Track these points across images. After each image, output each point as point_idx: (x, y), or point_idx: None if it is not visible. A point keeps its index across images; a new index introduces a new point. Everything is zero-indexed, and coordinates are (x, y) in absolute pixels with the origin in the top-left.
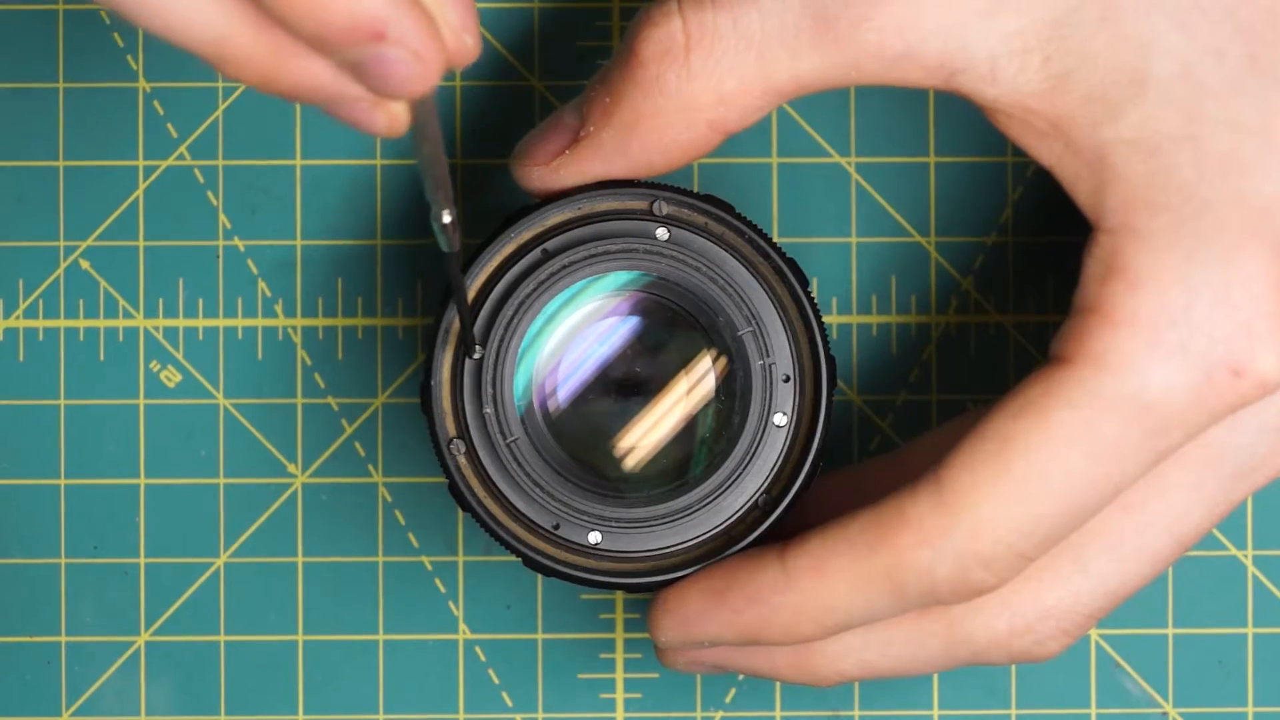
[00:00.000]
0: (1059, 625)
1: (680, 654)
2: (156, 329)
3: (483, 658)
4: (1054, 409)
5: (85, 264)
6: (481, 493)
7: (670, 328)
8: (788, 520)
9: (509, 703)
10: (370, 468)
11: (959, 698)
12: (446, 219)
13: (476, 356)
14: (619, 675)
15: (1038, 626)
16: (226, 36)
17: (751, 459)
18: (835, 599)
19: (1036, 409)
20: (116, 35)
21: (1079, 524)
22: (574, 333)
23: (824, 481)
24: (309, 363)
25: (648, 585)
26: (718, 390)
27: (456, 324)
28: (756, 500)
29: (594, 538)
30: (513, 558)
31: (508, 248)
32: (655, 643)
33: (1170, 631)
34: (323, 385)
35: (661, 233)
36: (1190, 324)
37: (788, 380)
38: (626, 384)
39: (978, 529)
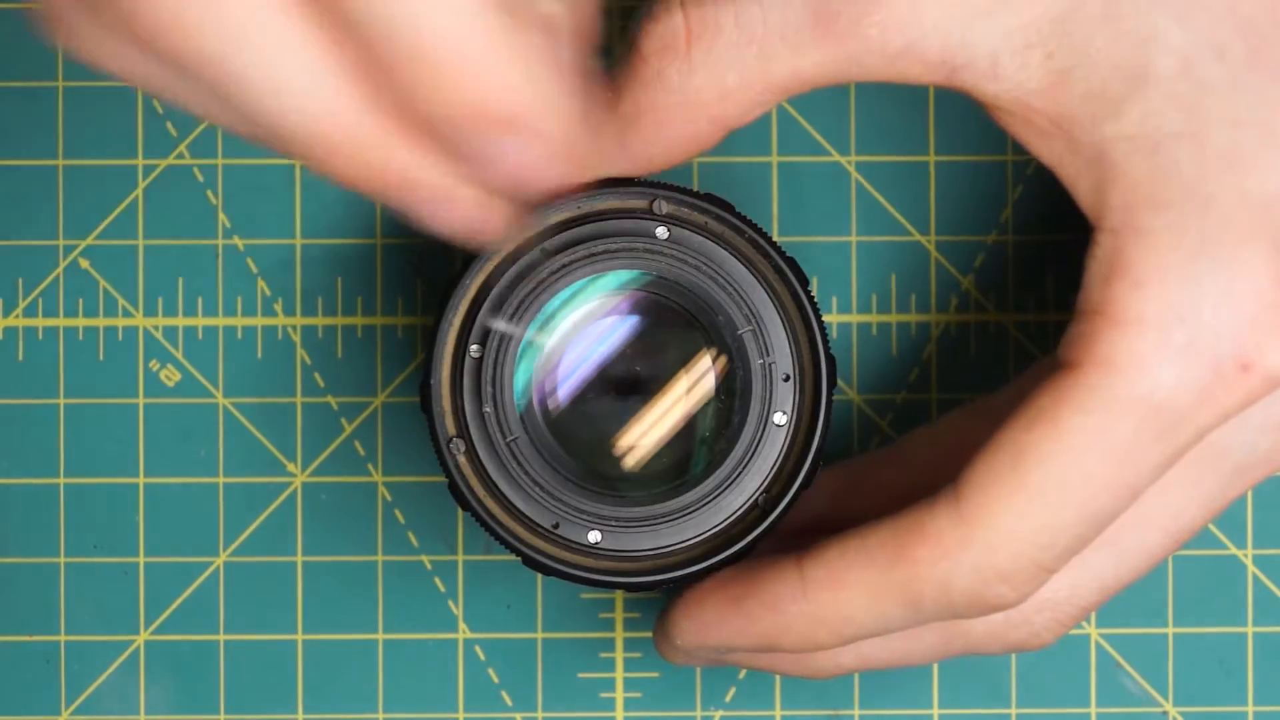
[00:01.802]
0: (1054, 616)
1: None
2: (156, 328)
3: (482, 657)
4: (1066, 417)
5: (85, 263)
6: (481, 492)
7: (670, 327)
8: (787, 519)
9: (509, 702)
10: (370, 467)
11: (959, 697)
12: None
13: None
14: (619, 675)
15: (1034, 618)
16: (331, 119)
17: (751, 458)
18: (852, 610)
19: (1049, 418)
20: None
21: (1098, 531)
22: (574, 332)
23: (822, 475)
24: (309, 362)
25: (648, 584)
26: (717, 389)
27: (458, 322)
28: (756, 500)
29: (594, 537)
30: (512, 557)
31: (507, 247)
32: (670, 644)
33: (1170, 631)
34: (322, 384)
35: (661, 231)
36: (1197, 321)
37: (787, 379)
38: (626, 383)
39: (996, 543)
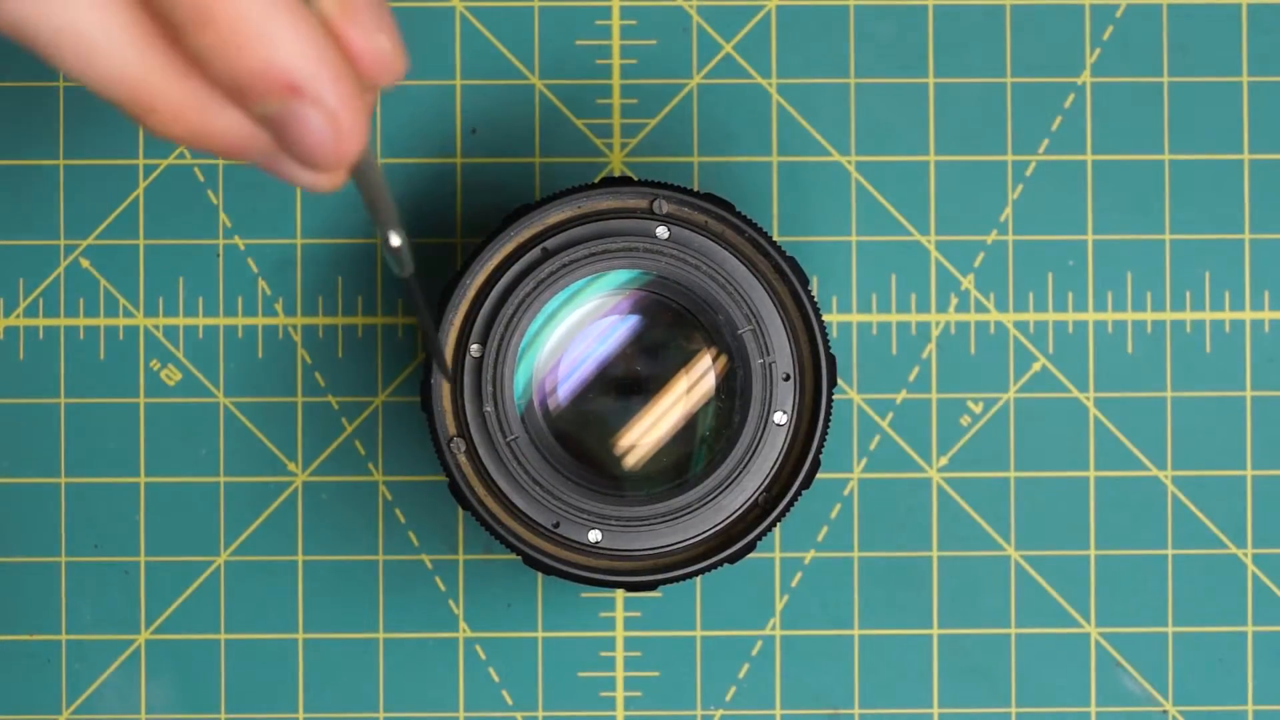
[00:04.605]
0: None
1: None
2: (157, 328)
3: (483, 656)
4: None
5: (85, 262)
6: (481, 491)
7: (670, 326)
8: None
9: (509, 701)
10: (370, 466)
11: (959, 697)
12: (395, 242)
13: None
14: (619, 674)
15: None
16: (141, 78)
17: (751, 458)
18: None
19: None
20: None
21: None
22: (574, 331)
23: None
24: (309, 361)
25: (648, 584)
26: (718, 389)
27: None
28: (756, 499)
29: (594, 536)
30: (513, 556)
31: (507, 246)
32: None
33: (1170, 630)
34: (323, 384)
35: (661, 231)
36: None
37: (788, 379)
38: (626, 382)
39: None
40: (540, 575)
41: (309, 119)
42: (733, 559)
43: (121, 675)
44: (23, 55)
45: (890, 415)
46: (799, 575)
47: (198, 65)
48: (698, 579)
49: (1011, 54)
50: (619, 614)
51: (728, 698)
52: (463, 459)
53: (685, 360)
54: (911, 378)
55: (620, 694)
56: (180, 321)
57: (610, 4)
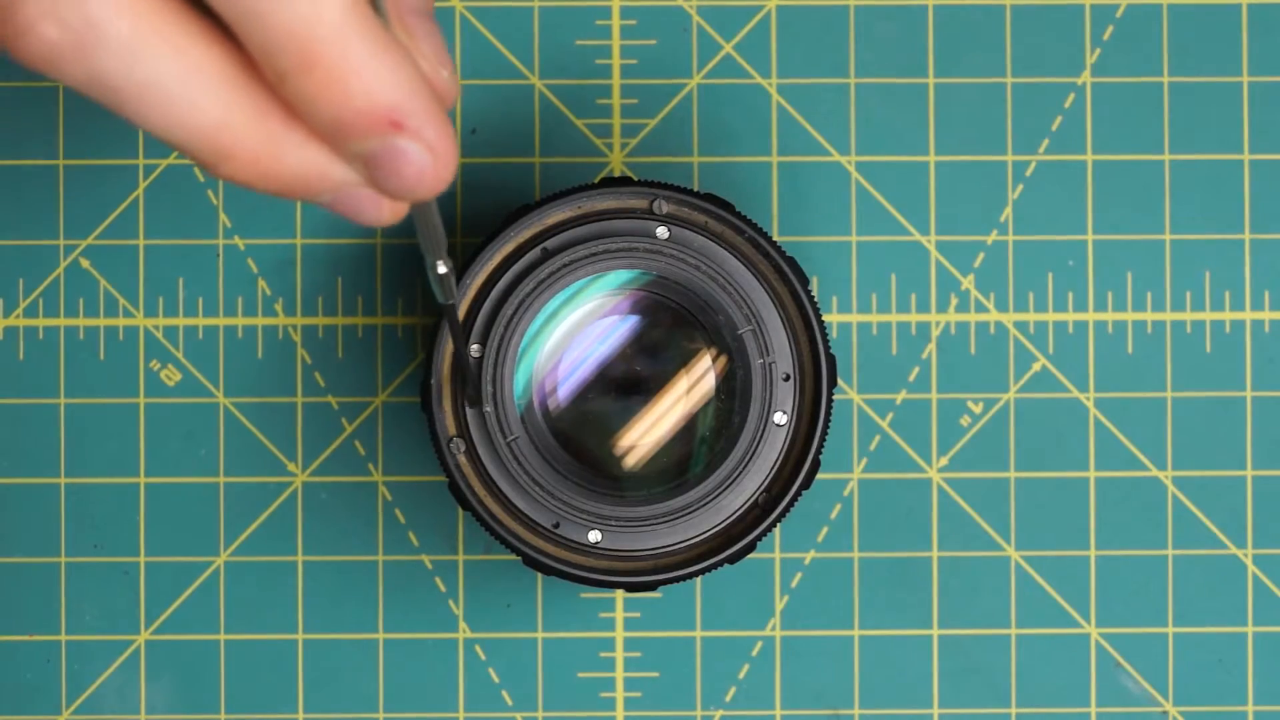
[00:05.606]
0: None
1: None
2: (156, 328)
3: (483, 656)
4: None
5: (85, 263)
6: (481, 492)
7: (670, 326)
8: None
9: (509, 701)
10: (370, 466)
11: (959, 697)
12: (442, 270)
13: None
14: (619, 675)
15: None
16: (221, 127)
17: (751, 458)
18: None
19: None
20: None
21: None
22: (574, 331)
23: None
24: (309, 361)
25: (647, 584)
26: (717, 389)
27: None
28: (756, 499)
29: (594, 536)
30: (513, 556)
31: (508, 246)
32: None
33: (1170, 630)
34: (323, 384)
35: (661, 231)
36: None
37: (788, 379)
38: (626, 382)
39: None
40: (540, 575)
41: (409, 152)
42: (733, 559)
43: (121, 675)
44: None
45: (890, 415)
46: (799, 575)
47: (290, 108)
48: (698, 579)
49: (1011, 54)
50: (619, 614)
51: (728, 698)
52: (463, 459)
53: (685, 360)
54: (911, 378)
55: (620, 694)
56: (180, 322)
57: (610, 4)
